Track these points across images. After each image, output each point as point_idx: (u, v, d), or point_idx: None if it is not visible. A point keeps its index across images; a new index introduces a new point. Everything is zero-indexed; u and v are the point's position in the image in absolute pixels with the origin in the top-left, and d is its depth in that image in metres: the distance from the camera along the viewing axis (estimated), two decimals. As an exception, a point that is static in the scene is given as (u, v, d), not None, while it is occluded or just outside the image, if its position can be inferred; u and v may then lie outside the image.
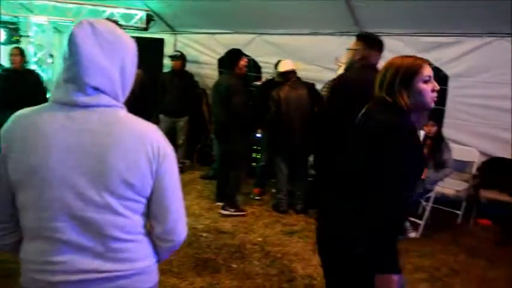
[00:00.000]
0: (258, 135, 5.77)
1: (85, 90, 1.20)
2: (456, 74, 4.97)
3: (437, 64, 5.04)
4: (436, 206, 4.60)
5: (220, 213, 4.57)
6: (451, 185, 4.76)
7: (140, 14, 6.43)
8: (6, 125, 1.26)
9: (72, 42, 1.20)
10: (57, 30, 7.18)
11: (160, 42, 6.95)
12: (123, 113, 1.27)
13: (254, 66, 6.53)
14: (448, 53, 4.94)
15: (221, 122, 4.72)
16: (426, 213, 4.48)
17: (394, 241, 1.61)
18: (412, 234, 4.34)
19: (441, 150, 4.46)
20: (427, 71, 1.73)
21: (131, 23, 6.38)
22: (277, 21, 5.87)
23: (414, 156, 1.69)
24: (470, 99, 4.92)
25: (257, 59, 6.43)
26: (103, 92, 1.22)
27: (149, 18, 6.41)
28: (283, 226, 4.40)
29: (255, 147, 5.85)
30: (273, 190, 5.27)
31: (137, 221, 1.29)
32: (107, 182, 1.19)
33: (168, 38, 7.14)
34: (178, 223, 1.34)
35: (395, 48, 5.31)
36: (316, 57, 5.83)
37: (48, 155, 1.18)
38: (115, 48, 1.24)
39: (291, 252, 3.81)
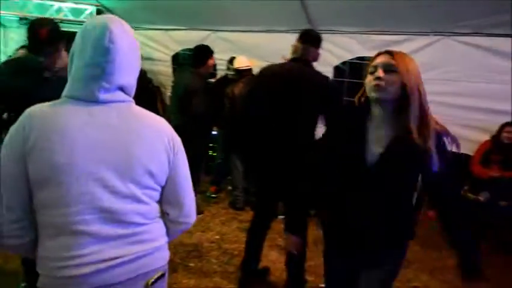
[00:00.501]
0: (214, 132, 5.73)
1: (111, 88, 1.27)
2: (405, 71, 5.14)
3: (388, 62, 5.20)
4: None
5: None
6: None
7: (90, 9, 6.23)
8: (20, 122, 1.25)
9: (109, 40, 1.23)
10: (1, 24, 6.84)
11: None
12: (136, 107, 1.37)
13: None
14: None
15: (178, 123, 4.57)
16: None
17: None
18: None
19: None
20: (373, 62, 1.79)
21: (81, 18, 6.16)
22: (232, 18, 5.84)
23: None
24: (419, 96, 5.09)
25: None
26: (124, 89, 1.32)
27: (99, 14, 6.22)
28: (239, 223, 4.39)
29: (211, 145, 5.81)
30: (229, 187, 5.25)
31: (155, 207, 1.42)
32: (133, 174, 1.29)
33: (120, 34, 6.95)
34: (192, 206, 1.52)
35: (348, 46, 5.45)
36: (271, 54, 5.82)
37: (73, 152, 1.21)
38: (136, 47, 1.34)
39: (249, 248, 3.81)
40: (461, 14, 4.49)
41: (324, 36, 5.52)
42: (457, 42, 4.82)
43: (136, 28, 6.87)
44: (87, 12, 6.20)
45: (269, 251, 3.74)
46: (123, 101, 1.32)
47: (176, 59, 6.87)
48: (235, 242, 3.91)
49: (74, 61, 1.28)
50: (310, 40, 3.15)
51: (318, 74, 3.01)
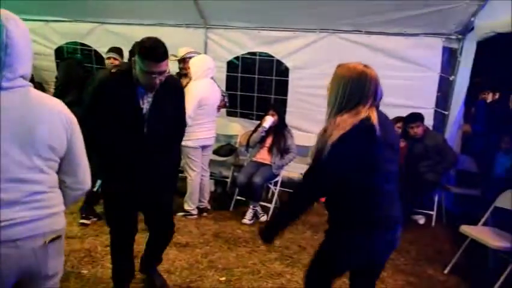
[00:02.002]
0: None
1: (12, 77, 1.46)
2: (295, 66, 5.39)
3: (278, 57, 5.41)
4: (283, 189, 4.92)
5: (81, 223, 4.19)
6: (295, 169, 5.14)
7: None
8: None
9: (6, 35, 1.42)
10: None
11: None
12: (34, 90, 1.56)
13: (96, 57, 6.15)
14: (287, 46, 5.30)
15: None
16: (275, 197, 4.78)
17: None
18: (263, 218, 4.59)
19: (284, 137, 4.75)
20: None
21: None
22: (121, 11, 5.60)
23: None
24: (308, 90, 5.38)
25: (99, 49, 6.06)
26: (23, 76, 1.51)
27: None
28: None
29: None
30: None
31: (54, 177, 1.63)
32: (37, 149, 1.51)
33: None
34: (86, 176, 1.76)
35: (240, 41, 5.54)
36: (163, 48, 5.73)
37: None
38: (29, 38, 1.53)
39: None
40: (342, 13, 4.82)
41: (217, 31, 5.62)
42: (340, 39, 5.16)
43: (11, 18, 6.27)
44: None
45: (168, 250, 3.67)
46: (23, 86, 1.51)
47: (61, 52, 6.40)
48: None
49: None
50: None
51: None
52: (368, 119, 1.87)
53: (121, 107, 2.52)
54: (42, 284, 1.68)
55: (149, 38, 2.50)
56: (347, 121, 1.85)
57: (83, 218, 4.10)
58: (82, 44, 6.33)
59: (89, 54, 6.30)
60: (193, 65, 4.39)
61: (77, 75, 5.25)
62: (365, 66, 2.06)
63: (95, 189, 4.03)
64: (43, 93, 1.61)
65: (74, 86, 4.34)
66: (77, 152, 1.67)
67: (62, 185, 1.69)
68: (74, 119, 1.65)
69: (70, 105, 1.94)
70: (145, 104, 2.57)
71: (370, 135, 1.85)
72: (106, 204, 2.90)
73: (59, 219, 1.69)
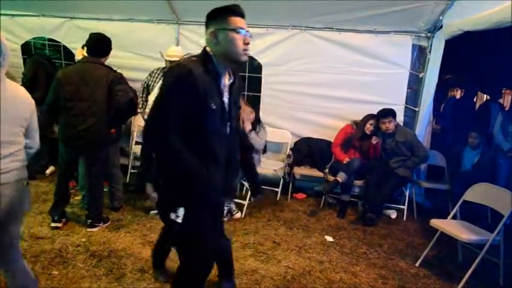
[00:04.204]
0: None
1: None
2: (268, 63, 5.39)
3: (250, 53, 5.36)
4: (257, 186, 4.91)
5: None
6: (269, 166, 5.15)
7: None
8: None
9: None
10: None
11: None
12: (8, 81, 2.24)
13: (66, 53, 6.00)
14: (259, 43, 5.29)
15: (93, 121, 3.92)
16: (249, 194, 4.77)
17: None
18: (237, 215, 4.58)
19: (258, 133, 4.73)
20: None
21: None
22: (90, 6, 5.47)
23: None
24: (281, 86, 5.39)
25: (69, 45, 5.91)
26: None
27: None
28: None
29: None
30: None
31: (22, 140, 2.34)
32: (17, 123, 2.27)
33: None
34: (37, 140, 2.48)
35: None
36: (134, 44, 5.63)
37: None
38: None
39: (119, 248, 3.64)
40: (314, 10, 4.85)
41: (189, 27, 5.56)
42: (312, 36, 5.19)
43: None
44: None
45: (142, 248, 3.62)
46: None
47: (28, 48, 6.21)
48: (103, 243, 3.69)
49: None
50: None
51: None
52: None
53: (210, 104, 2.04)
54: (19, 219, 2.37)
55: None
56: None
57: (55, 221, 3.94)
58: (50, 40, 6.16)
59: (57, 50, 6.14)
60: None
61: (44, 72, 5.12)
62: None
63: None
64: (15, 84, 2.32)
65: (42, 83, 4.23)
66: (34, 125, 2.41)
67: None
68: (33, 102, 2.38)
69: (37, 102, 1.95)
70: (225, 98, 2.17)
71: None
72: (191, 232, 2.15)
73: (25, 171, 2.39)
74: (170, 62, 4.58)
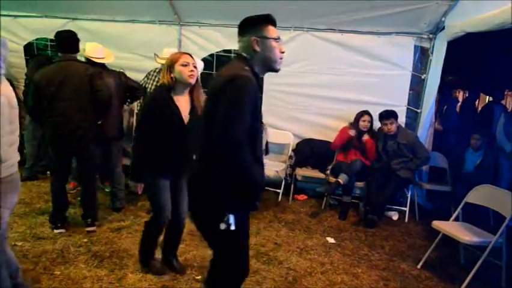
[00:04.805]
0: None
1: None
2: (269, 64, 5.37)
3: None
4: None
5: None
6: (271, 167, 5.15)
7: None
8: None
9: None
10: None
11: None
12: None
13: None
14: (262, 44, 5.28)
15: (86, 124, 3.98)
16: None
17: None
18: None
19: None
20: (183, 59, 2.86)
21: None
22: (92, 6, 5.49)
23: None
24: (283, 87, 5.39)
25: (71, 46, 5.92)
26: None
27: None
28: (110, 223, 4.17)
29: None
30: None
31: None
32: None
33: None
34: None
35: (214, 38, 5.51)
36: (136, 45, 5.64)
37: None
38: None
39: (121, 248, 3.64)
40: (317, 11, 4.85)
41: (191, 28, 5.57)
42: (314, 37, 5.19)
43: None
44: None
45: (143, 249, 3.63)
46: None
47: (30, 49, 6.23)
48: (105, 244, 3.70)
49: None
50: None
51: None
52: None
53: (260, 111, 2.11)
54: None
55: None
56: None
57: (58, 227, 3.89)
58: (53, 40, 6.17)
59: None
60: None
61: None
62: None
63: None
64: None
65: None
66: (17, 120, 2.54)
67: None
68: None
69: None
70: None
71: None
72: (237, 235, 2.09)
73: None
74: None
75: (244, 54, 2.14)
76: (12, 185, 2.47)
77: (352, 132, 4.93)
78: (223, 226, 1.97)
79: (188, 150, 2.90)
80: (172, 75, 2.87)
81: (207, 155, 2.07)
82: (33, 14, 5.93)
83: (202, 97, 2.96)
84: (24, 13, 5.95)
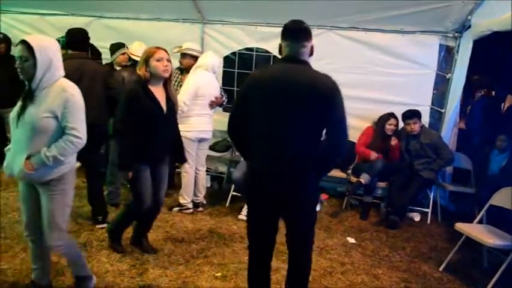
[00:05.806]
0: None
1: None
2: (292, 63, 5.36)
3: (275, 53, 5.38)
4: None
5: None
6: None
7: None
8: None
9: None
10: None
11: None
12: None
13: (92, 52, 6.10)
14: (284, 42, 5.27)
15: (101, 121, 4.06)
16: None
17: None
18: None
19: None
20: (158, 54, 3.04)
21: None
22: (117, 5, 5.56)
23: None
24: (305, 86, 5.36)
25: (96, 43, 6.01)
26: None
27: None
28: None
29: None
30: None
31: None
32: None
33: (-12, 18, 6.23)
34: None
35: (237, 37, 5.52)
36: (160, 43, 5.66)
37: None
38: None
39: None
40: (340, 10, 4.82)
41: (214, 26, 5.60)
42: (337, 36, 5.16)
43: (6, 11, 6.20)
44: None
45: (164, 245, 3.67)
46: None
47: (56, 46, 6.35)
48: (127, 239, 3.74)
49: None
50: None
51: None
52: None
53: None
54: None
55: None
56: None
57: (99, 222, 3.99)
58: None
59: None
60: (200, 57, 4.58)
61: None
62: None
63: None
64: None
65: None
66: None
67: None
68: None
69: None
70: None
71: None
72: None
73: None
74: (183, 55, 4.74)
75: (302, 58, 2.42)
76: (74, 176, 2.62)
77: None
78: (318, 207, 2.36)
79: (168, 138, 3.22)
80: (147, 69, 3.06)
81: (303, 151, 2.34)
82: (60, 12, 6.04)
83: (174, 89, 3.37)
84: (52, 11, 6.07)
